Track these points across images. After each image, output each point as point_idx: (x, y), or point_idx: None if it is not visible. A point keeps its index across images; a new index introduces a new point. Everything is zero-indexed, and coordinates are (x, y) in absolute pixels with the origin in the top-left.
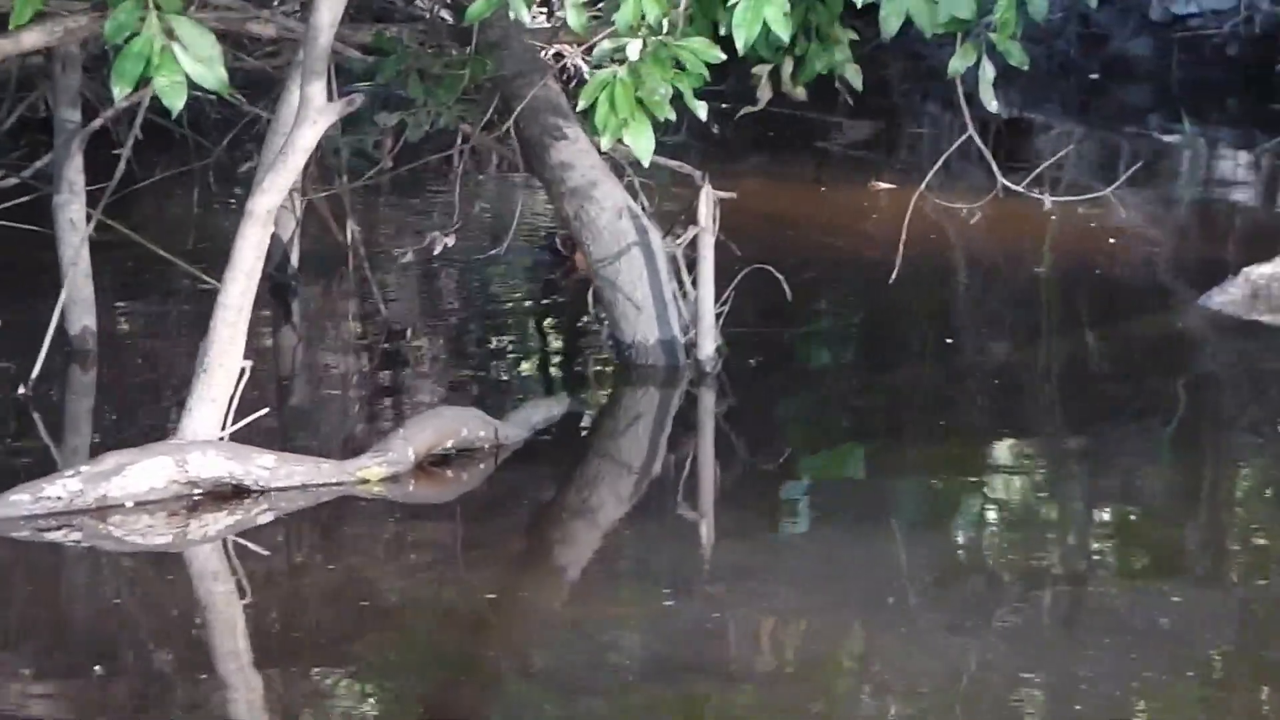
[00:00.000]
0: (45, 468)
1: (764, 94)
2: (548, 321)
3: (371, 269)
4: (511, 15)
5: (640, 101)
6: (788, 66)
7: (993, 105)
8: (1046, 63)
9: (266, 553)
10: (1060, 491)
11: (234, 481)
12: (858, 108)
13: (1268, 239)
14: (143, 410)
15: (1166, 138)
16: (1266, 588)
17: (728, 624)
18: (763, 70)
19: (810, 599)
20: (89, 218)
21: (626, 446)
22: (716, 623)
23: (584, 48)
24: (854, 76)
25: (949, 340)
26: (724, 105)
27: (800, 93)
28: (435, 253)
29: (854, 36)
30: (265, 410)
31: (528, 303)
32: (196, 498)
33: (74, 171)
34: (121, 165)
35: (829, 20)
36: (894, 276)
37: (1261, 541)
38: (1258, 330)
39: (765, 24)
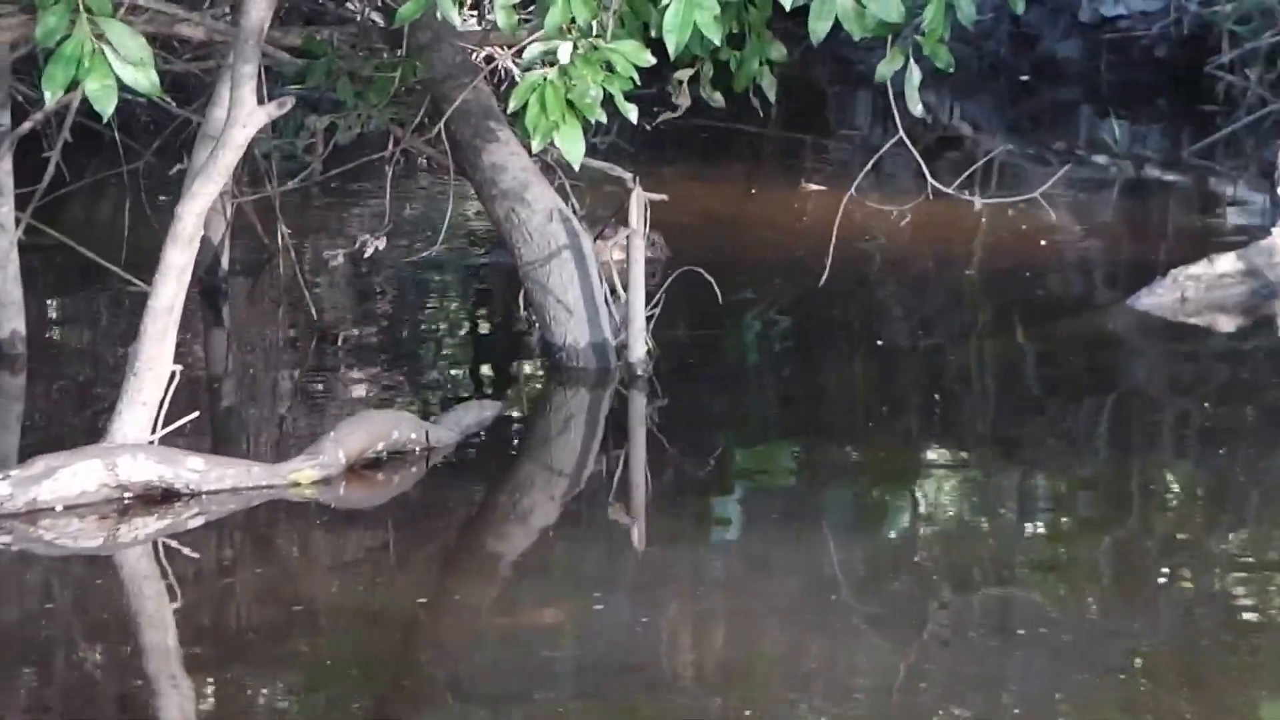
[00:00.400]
0: None
1: (682, 100)
2: (479, 324)
3: (302, 272)
4: (440, 17)
5: (571, 104)
6: (708, 72)
7: (918, 109)
8: (977, 64)
9: (197, 556)
10: (989, 493)
11: (164, 485)
12: (789, 112)
13: (1196, 241)
14: (73, 414)
15: (1096, 148)
16: (1192, 589)
17: (659, 628)
18: (682, 76)
19: (741, 602)
20: (18, 221)
21: (557, 449)
22: (647, 626)
23: (514, 50)
24: (769, 86)
25: (879, 342)
26: (655, 108)
27: (718, 99)
28: (366, 255)
29: (781, 51)
30: (196, 413)
31: (459, 305)
32: (127, 501)
33: (2, 174)
34: (51, 168)
35: (760, 23)
36: (824, 278)
37: (1188, 543)
38: (1185, 331)
39: (696, 27)
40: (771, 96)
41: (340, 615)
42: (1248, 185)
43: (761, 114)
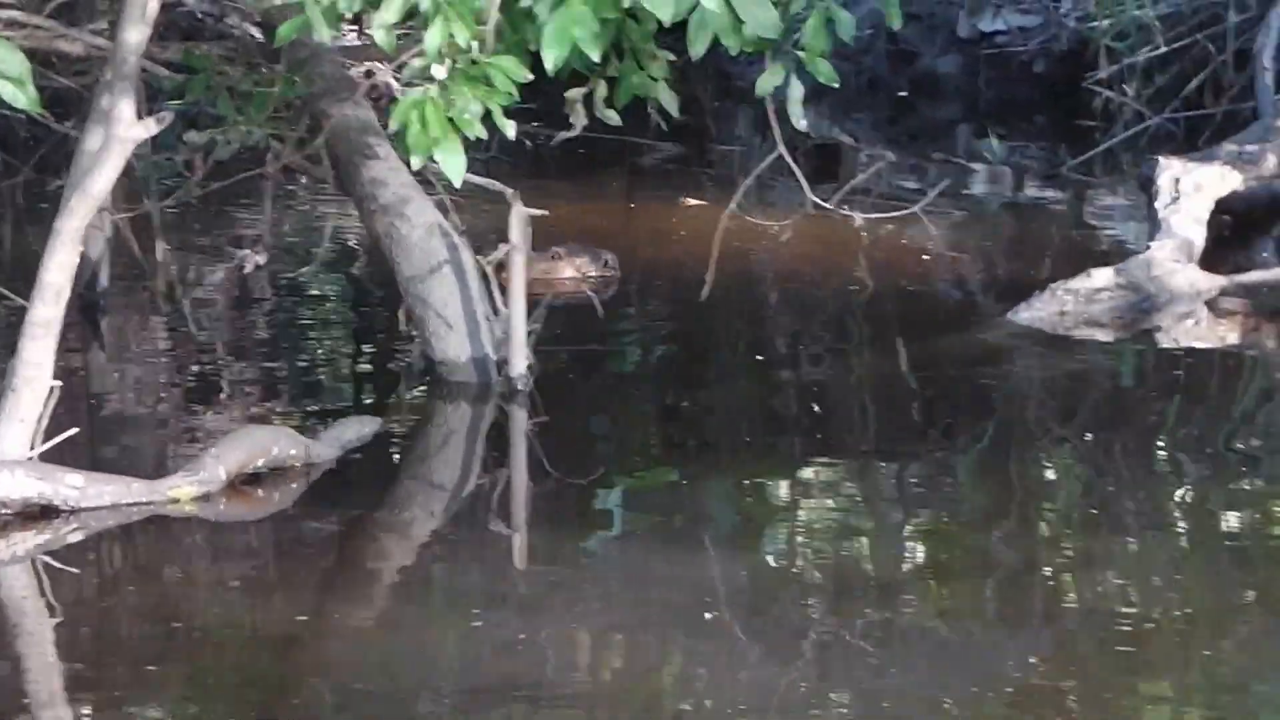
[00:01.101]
0: None
1: (578, 119)
2: (359, 339)
3: (182, 287)
4: (315, 37)
5: (451, 120)
6: (601, 90)
7: (801, 123)
8: (855, 80)
9: (76, 573)
10: (871, 507)
11: (43, 501)
12: (669, 127)
13: (1074, 255)
14: None
15: (974, 164)
16: (1075, 597)
17: (538, 643)
18: (576, 94)
19: (622, 617)
20: None
21: (438, 465)
22: (526, 642)
23: (394, 65)
24: (669, 101)
25: (760, 357)
26: (535, 123)
27: (613, 116)
28: (246, 271)
29: (671, 57)
30: (75, 430)
31: (339, 320)
32: (5, 518)
33: None
34: None
35: (642, 39)
36: (705, 293)
37: (1070, 555)
38: (1064, 345)
39: (576, 43)
40: (673, 110)
41: (220, 633)
42: (1126, 200)
43: (664, 127)
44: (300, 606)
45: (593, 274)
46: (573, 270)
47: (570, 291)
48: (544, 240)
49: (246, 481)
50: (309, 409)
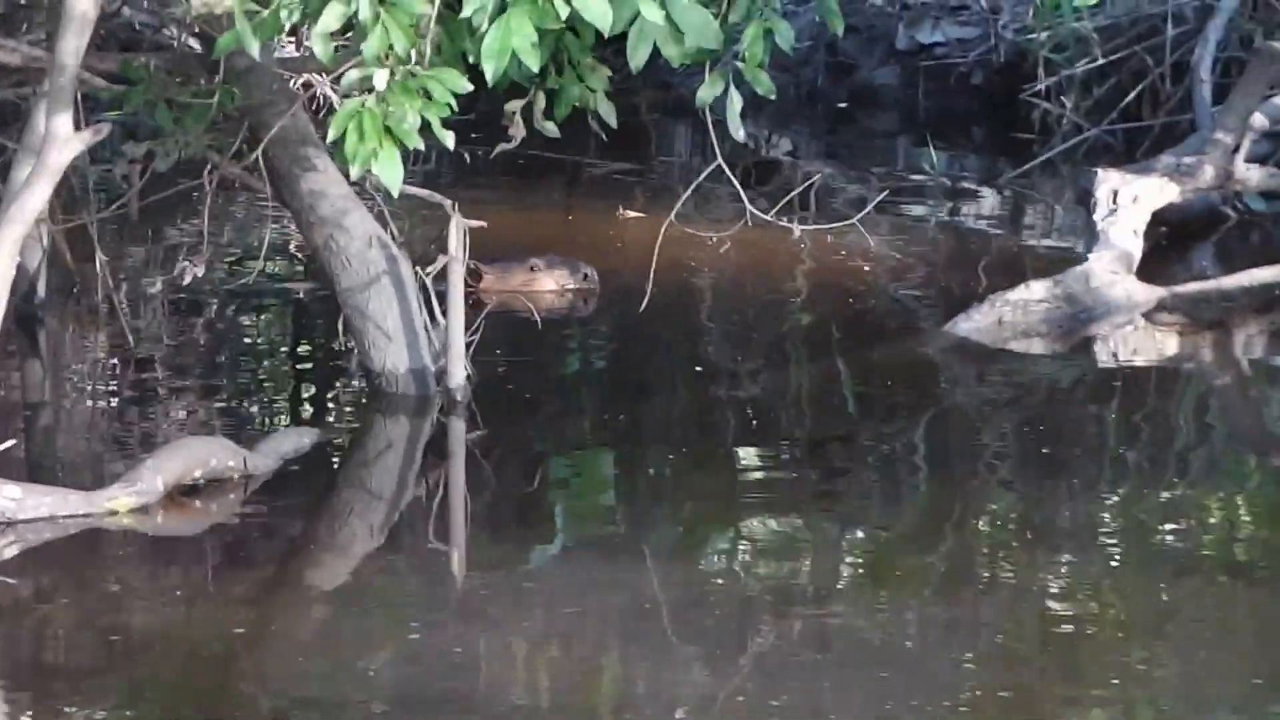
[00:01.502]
0: None
1: (517, 131)
2: (298, 351)
3: (120, 299)
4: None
5: (389, 131)
6: (540, 102)
7: (740, 134)
8: (795, 91)
9: (13, 584)
10: (809, 518)
11: None
12: (608, 138)
13: (1013, 266)
14: None
15: (914, 175)
16: (1013, 609)
17: (477, 655)
18: (515, 106)
19: (562, 628)
20: None
21: (377, 476)
22: (464, 655)
23: (333, 77)
24: (608, 113)
25: (699, 369)
26: (474, 135)
27: (552, 128)
28: (185, 283)
29: (607, 72)
30: (12, 442)
31: (278, 332)
32: None
33: None
34: None
35: (581, 51)
36: (644, 304)
37: (1008, 564)
38: (1002, 356)
39: (515, 55)
40: (612, 122)
41: (157, 645)
42: (1064, 211)
43: (605, 138)
44: (238, 618)
45: (571, 286)
46: (552, 283)
47: (549, 304)
48: (520, 252)
49: (184, 493)
50: (247, 420)
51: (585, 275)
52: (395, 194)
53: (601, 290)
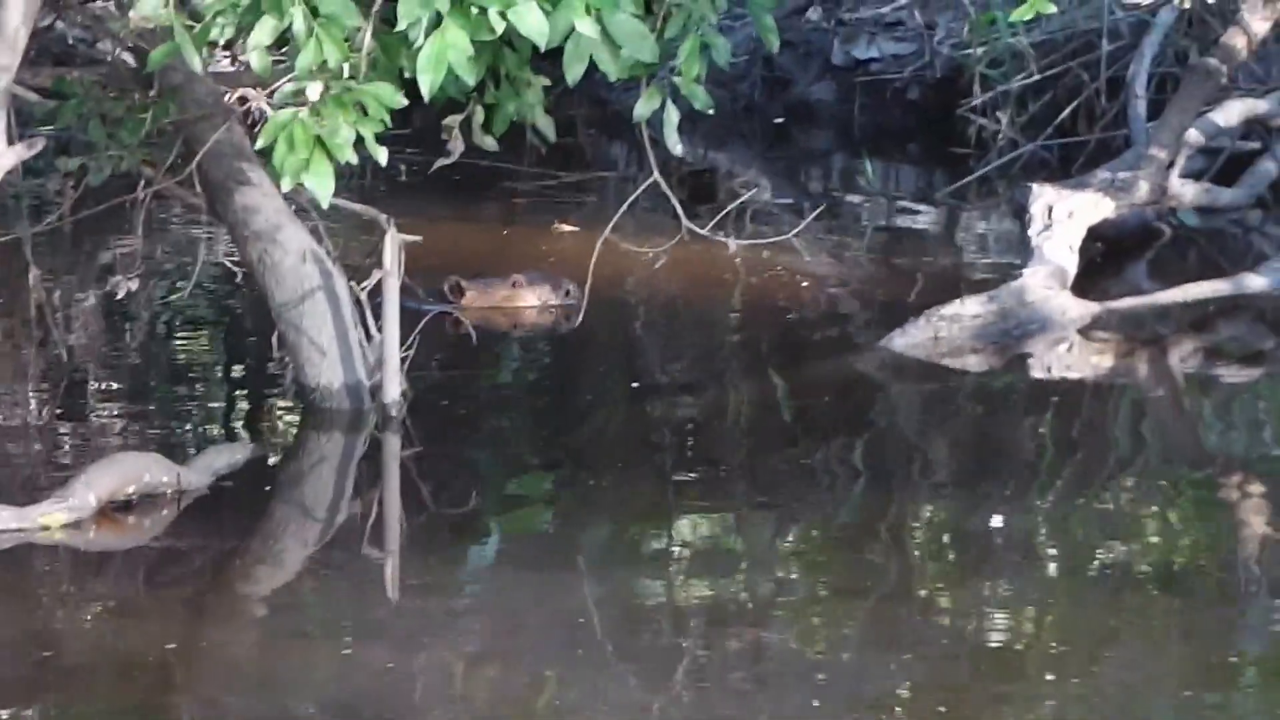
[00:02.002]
0: None
1: (456, 146)
2: (232, 366)
3: (53, 314)
4: (188, 64)
5: (321, 142)
6: (479, 116)
7: (677, 149)
8: (731, 106)
9: None
10: (744, 533)
11: None
12: (545, 152)
13: (949, 282)
14: None
15: (850, 191)
16: (948, 625)
17: (409, 671)
18: (453, 121)
19: (496, 646)
20: None
21: (310, 492)
22: (397, 670)
23: (268, 91)
24: (546, 126)
25: (635, 385)
26: (410, 149)
27: (491, 143)
28: (119, 297)
29: (546, 82)
30: None
31: (211, 347)
32: None
33: None
34: None
35: (518, 65)
36: (580, 319)
37: (942, 580)
38: (938, 372)
39: (451, 68)
40: (551, 136)
41: (90, 662)
42: (999, 226)
43: (543, 152)
44: (171, 635)
45: (553, 302)
46: (534, 299)
47: (532, 320)
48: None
49: (117, 508)
50: (181, 435)
51: (568, 292)
52: (325, 205)
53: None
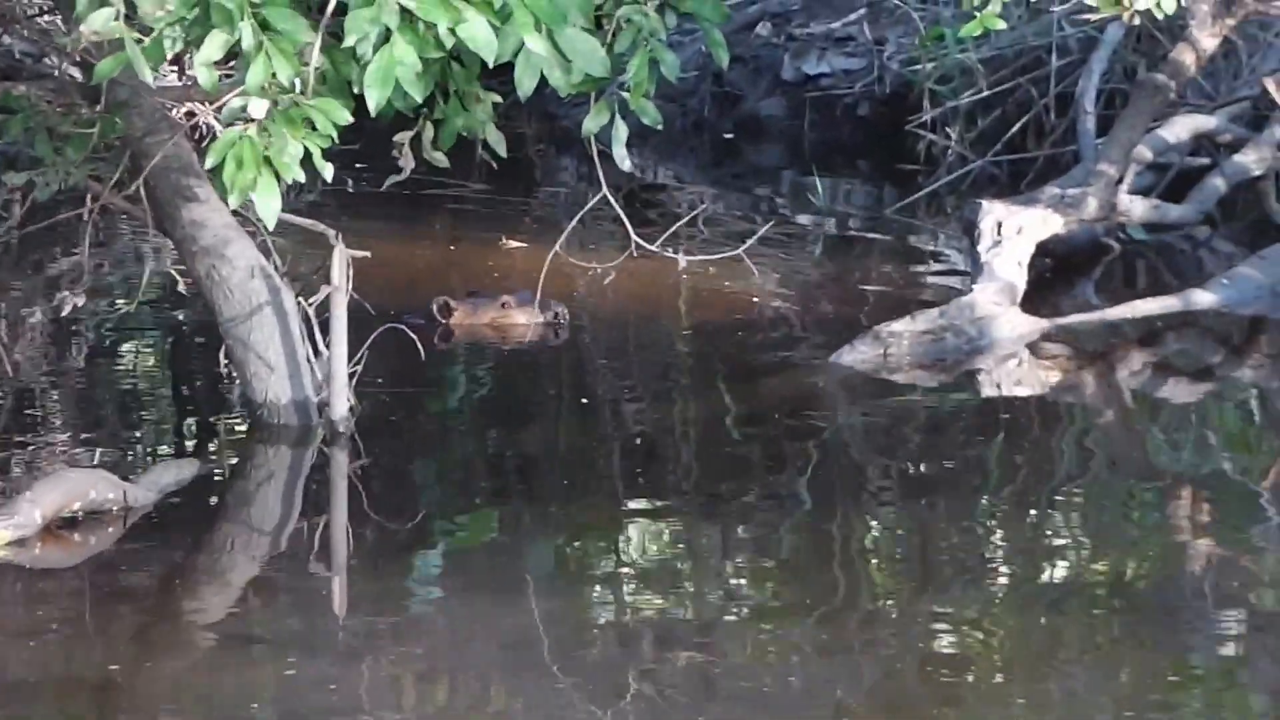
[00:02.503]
0: None
1: (407, 162)
2: (179, 381)
3: None
4: (139, 76)
5: (269, 160)
6: (428, 132)
7: (626, 164)
8: (681, 122)
9: None
10: (692, 550)
11: None
12: (493, 169)
13: (898, 298)
14: None
15: (800, 207)
16: (895, 642)
17: (354, 688)
18: (404, 138)
19: (444, 663)
20: None
21: (258, 509)
22: (340, 688)
23: (216, 106)
24: (497, 142)
25: (584, 400)
26: (359, 165)
27: (441, 159)
28: (65, 313)
29: (497, 98)
30: None
31: (158, 363)
32: None
33: None
34: None
35: (467, 80)
36: (529, 334)
37: (889, 600)
38: (887, 387)
39: (399, 84)
40: (502, 151)
41: (33, 680)
42: (948, 243)
43: (494, 167)
44: (116, 653)
45: (541, 323)
46: (523, 319)
47: (520, 339)
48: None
49: (63, 525)
50: (127, 452)
51: (556, 314)
52: (271, 225)
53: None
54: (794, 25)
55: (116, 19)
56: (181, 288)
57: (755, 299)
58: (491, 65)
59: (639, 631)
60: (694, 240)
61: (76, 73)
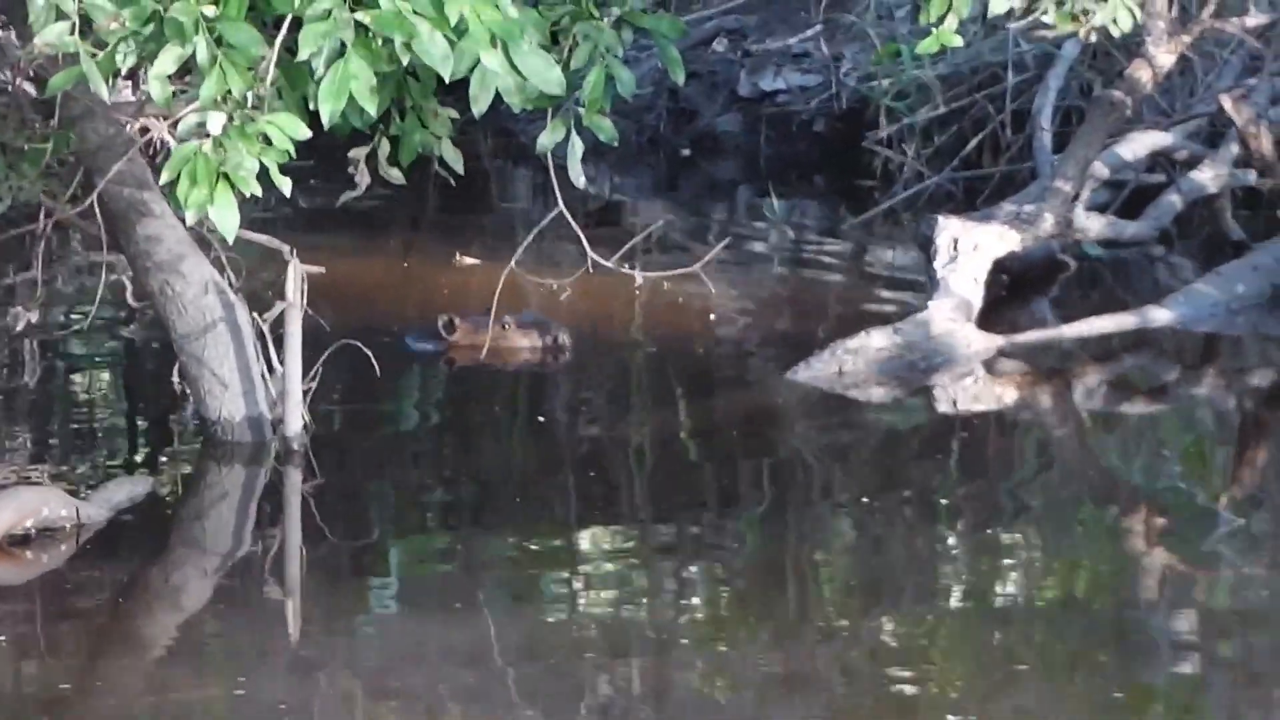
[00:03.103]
0: None
1: (362, 179)
2: (132, 398)
3: None
4: (93, 90)
5: (225, 176)
6: (385, 148)
7: (581, 180)
8: (637, 138)
9: None
10: (648, 568)
11: None
12: (449, 185)
13: (854, 314)
14: None
15: (756, 223)
16: (850, 659)
17: (305, 707)
18: (359, 154)
19: (395, 681)
20: None
21: (211, 526)
22: (293, 707)
23: (170, 121)
24: (454, 158)
25: (540, 419)
26: (313, 181)
27: (397, 175)
28: (18, 329)
29: (453, 114)
30: None
31: (111, 379)
32: None
33: None
34: None
35: (423, 95)
36: (484, 353)
37: (843, 618)
38: (843, 404)
39: (353, 98)
40: (458, 168)
41: None
42: (905, 259)
43: (451, 183)
44: (66, 672)
45: (539, 345)
46: (524, 341)
47: (518, 362)
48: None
49: (15, 543)
50: (80, 469)
51: (556, 338)
52: (230, 240)
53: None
54: (750, 41)
55: (71, 32)
56: (135, 304)
57: (712, 315)
58: (448, 81)
59: (593, 649)
60: (650, 255)
61: (30, 88)
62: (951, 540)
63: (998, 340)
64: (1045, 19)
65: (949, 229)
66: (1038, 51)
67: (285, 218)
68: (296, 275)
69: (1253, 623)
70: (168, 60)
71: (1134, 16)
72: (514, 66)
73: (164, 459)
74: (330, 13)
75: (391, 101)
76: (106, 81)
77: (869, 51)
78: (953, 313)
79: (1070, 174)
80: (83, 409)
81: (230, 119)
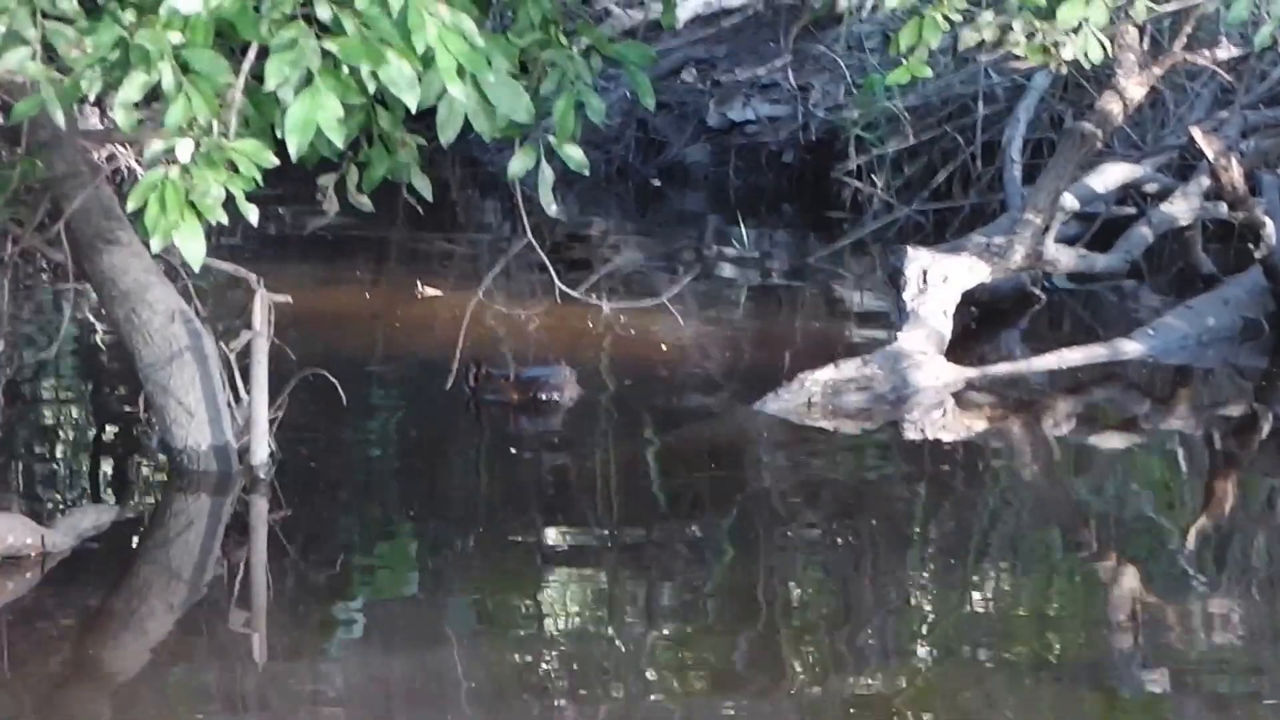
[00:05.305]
0: None
1: (330, 206)
2: (98, 426)
3: None
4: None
5: (192, 204)
6: (353, 176)
7: (552, 209)
8: (606, 168)
9: None
10: (615, 600)
11: None
12: (416, 214)
13: (822, 345)
14: None
15: (725, 253)
16: (819, 691)
17: None
18: (328, 181)
19: (361, 712)
20: None
21: (177, 556)
22: None
23: (137, 148)
24: (423, 186)
25: (511, 449)
26: (280, 209)
27: (366, 203)
28: None
29: (421, 142)
30: None
31: (77, 407)
32: None
33: None
34: None
35: (391, 124)
36: (450, 382)
37: (811, 654)
38: (810, 435)
39: (320, 129)
40: (428, 195)
41: None
42: (873, 291)
43: (419, 212)
44: (29, 703)
45: (529, 399)
46: (518, 395)
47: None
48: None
49: None
50: (45, 497)
51: (564, 376)
52: (197, 268)
53: (410, 366)
54: (719, 71)
55: (33, 58)
56: (101, 332)
57: (679, 346)
58: (415, 110)
59: (560, 680)
60: (617, 285)
61: None
62: (919, 571)
63: (967, 372)
64: (1016, 50)
65: (918, 260)
66: (1008, 83)
67: (252, 246)
68: (263, 304)
69: (1226, 656)
70: (133, 87)
71: (1105, 48)
72: (482, 96)
73: (129, 487)
74: (296, 41)
75: (360, 130)
76: (70, 109)
77: (838, 82)
78: (922, 344)
79: (1040, 206)
80: (48, 437)
81: (197, 146)
